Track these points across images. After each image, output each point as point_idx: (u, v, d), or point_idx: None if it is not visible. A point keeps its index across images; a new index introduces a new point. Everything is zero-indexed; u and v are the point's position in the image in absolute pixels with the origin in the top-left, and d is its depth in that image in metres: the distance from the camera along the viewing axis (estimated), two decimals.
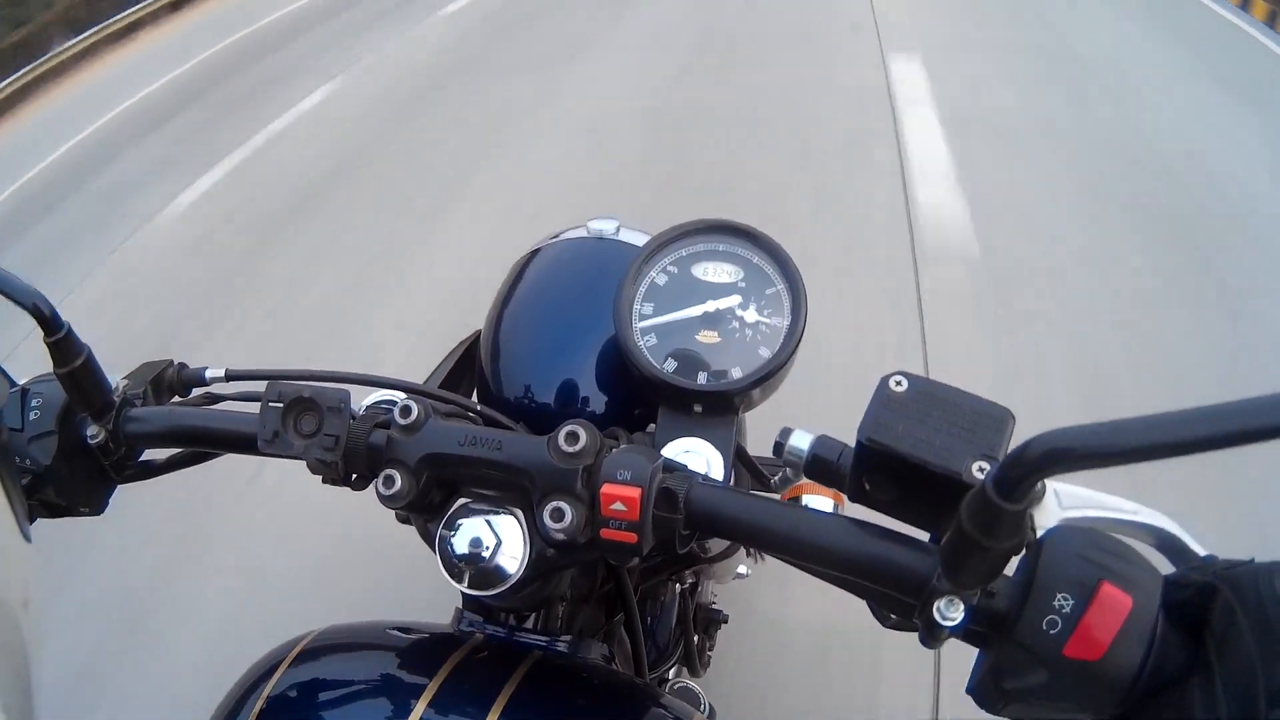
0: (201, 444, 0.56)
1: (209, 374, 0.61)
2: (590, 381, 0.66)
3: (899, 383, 0.41)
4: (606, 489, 0.44)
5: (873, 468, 0.41)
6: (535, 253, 0.75)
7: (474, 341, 0.76)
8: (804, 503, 0.81)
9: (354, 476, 0.51)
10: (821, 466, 0.47)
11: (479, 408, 0.57)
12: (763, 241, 0.61)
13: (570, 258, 0.74)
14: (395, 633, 0.57)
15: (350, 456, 0.49)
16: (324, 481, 0.51)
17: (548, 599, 0.59)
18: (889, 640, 0.48)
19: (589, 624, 0.66)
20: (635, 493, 0.44)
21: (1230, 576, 0.32)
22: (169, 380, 0.60)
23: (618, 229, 0.73)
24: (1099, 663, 0.32)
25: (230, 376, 0.60)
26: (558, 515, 0.44)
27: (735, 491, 0.46)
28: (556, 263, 0.74)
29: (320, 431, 0.49)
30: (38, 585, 0.41)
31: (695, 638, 1.04)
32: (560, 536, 0.44)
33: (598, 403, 0.66)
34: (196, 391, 0.61)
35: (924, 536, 0.42)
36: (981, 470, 0.38)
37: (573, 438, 0.45)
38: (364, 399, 0.57)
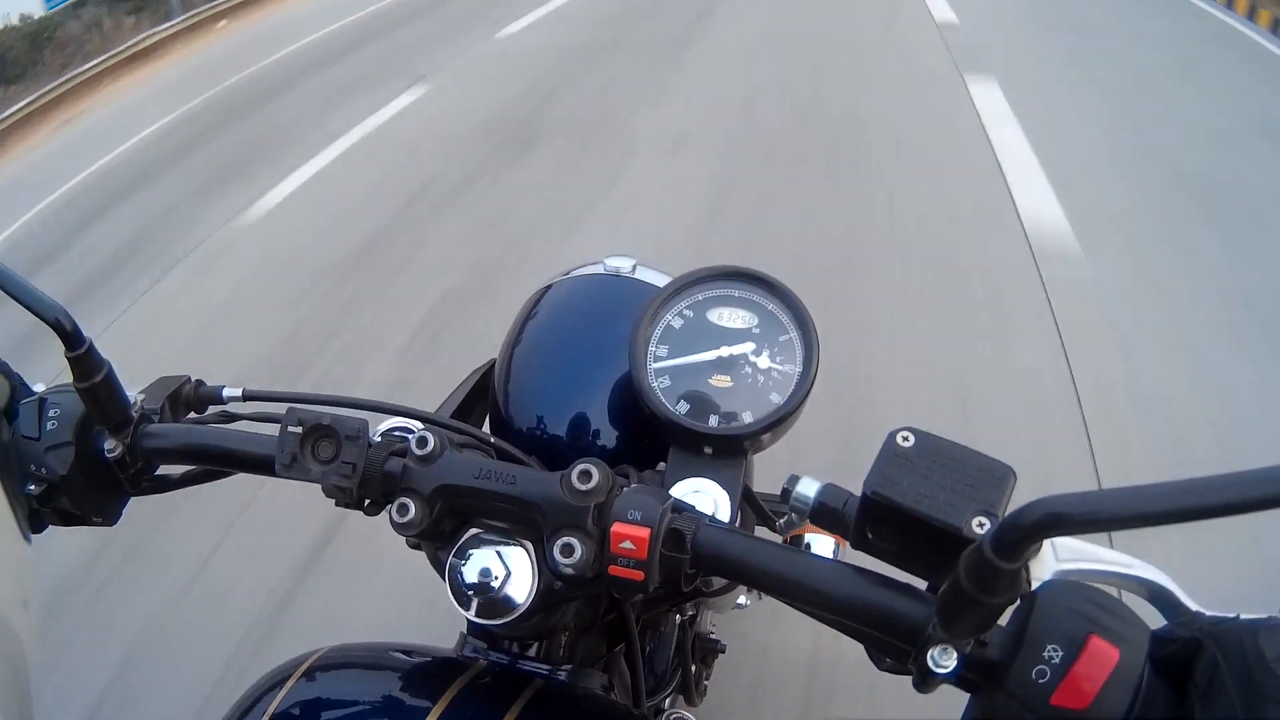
0: (218, 463, 0.57)
1: (226, 393, 0.62)
2: (602, 416, 0.67)
3: (906, 439, 0.42)
4: (617, 528, 0.45)
5: (876, 519, 0.42)
6: (550, 287, 0.76)
7: (487, 371, 0.76)
8: (806, 541, 0.82)
9: (368, 502, 0.52)
10: (827, 514, 0.48)
11: (493, 440, 0.58)
12: (778, 290, 0.63)
13: (586, 293, 0.75)
14: (400, 655, 0.58)
15: (366, 483, 0.51)
16: (337, 504, 0.52)
17: (552, 628, 0.60)
18: (883, 677, 0.49)
19: (590, 653, 0.67)
20: (644, 533, 0.45)
21: (1216, 632, 0.33)
22: (185, 397, 0.61)
23: (634, 267, 0.74)
24: (1085, 712, 0.33)
25: (248, 396, 0.61)
26: (568, 550, 0.45)
27: (741, 534, 0.47)
28: (572, 298, 0.75)
29: (338, 459, 0.50)
30: (37, 586, 0.42)
31: (693, 667, 1.04)
32: (569, 571, 0.46)
33: (608, 437, 0.67)
34: (213, 409, 0.62)
35: (921, 583, 0.43)
36: (981, 525, 0.39)
37: (586, 476, 0.46)
38: (380, 425, 0.58)
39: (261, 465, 0.53)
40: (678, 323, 0.63)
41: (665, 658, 0.96)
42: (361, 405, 0.56)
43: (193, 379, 0.62)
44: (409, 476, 0.49)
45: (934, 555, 0.41)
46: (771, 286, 0.63)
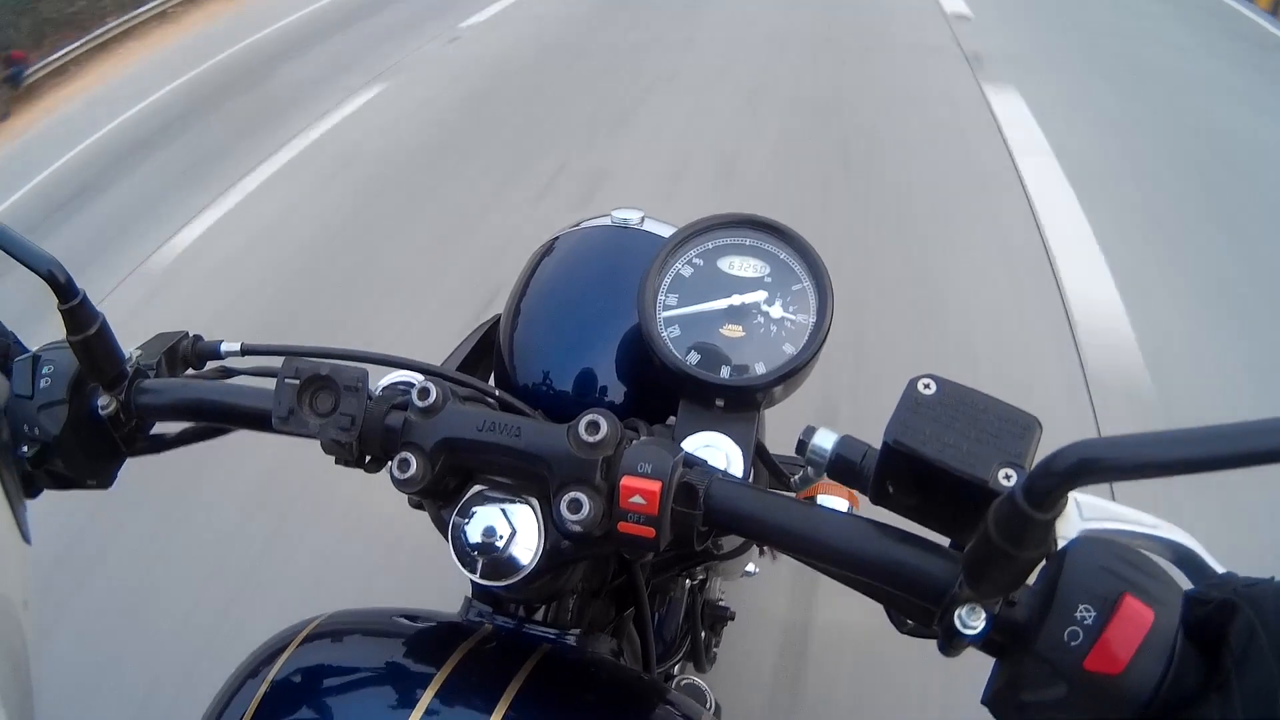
0: (214, 419, 0.56)
1: (224, 347, 0.60)
2: (610, 371, 0.65)
3: (927, 386, 0.40)
4: (626, 481, 0.44)
5: (897, 471, 0.41)
6: (556, 239, 0.74)
7: (493, 326, 0.75)
8: (819, 502, 0.80)
9: (369, 459, 0.50)
10: (844, 467, 0.46)
11: (497, 393, 0.56)
12: (790, 237, 0.61)
13: (593, 245, 0.73)
14: (403, 620, 0.57)
15: (366, 438, 0.49)
16: (337, 462, 0.51)
17: (559, 591, 0.58)
18: (897, 641, 0.48)
19: (598, 618, 0.66)
20: (655, 486, 0.43)
21: (1251, 595, 0.31)
22: (183, 352, 0.59)
23: (642, 219, 0.72)
24: (1119, 677, 0.32)
25: (246, 351, 0.59)
26: (575, 506, 0.44)
27: (755, 489, 0.46)
28: (579, 250, 0.73)
29: (336, 411, 0.49)
30: (37, 586, 0.41)
31: (703, 634, 1.04)
32: (577, 529, 0.44)
33: (616, 393, 0.65)
34: (211, 365, 0.61)
35: (943, 541, 0.42)
36: (1008, 478, 0.37)
37: (594, 427, 0.45)
38: (380, 379, 0.56)
39: (259, 420, 0.52)
40: (687, 271, 0.61)
41: (675, 624, 0.96)
42: (364, 358, 0.54)
43: (190, 334, 0.60)
44: (410, 430, 0.48)
45: (957, 510, 0.39)
46: (784, 234, 0.61)
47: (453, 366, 0.71)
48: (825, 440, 0.47)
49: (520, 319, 0.70)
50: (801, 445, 0.48)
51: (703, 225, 0.62)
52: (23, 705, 0.38)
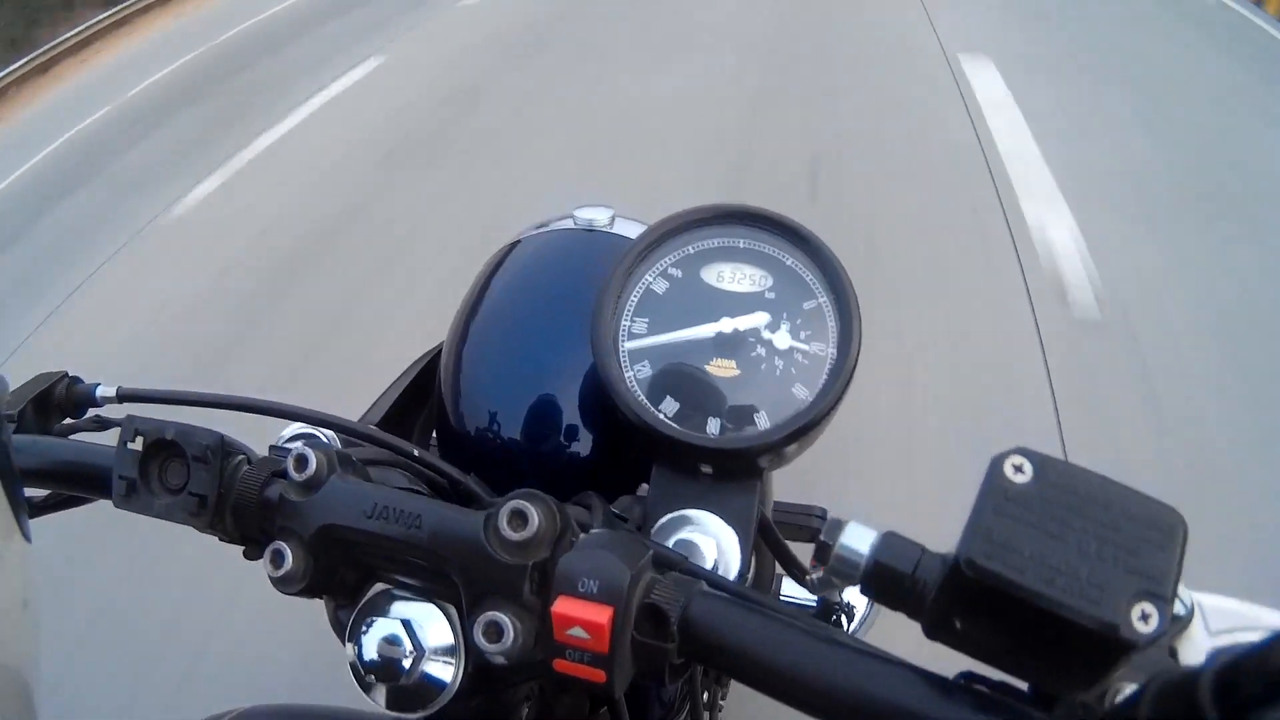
0: (54, 484, 0.46)
1: (100, 392, 0.50)
2: (573, 412, 0.52)
3: (1019, 469, 0.28)
4: (561, 607, 0.32)
5: (971, 602, 0.28)
6: (510, 248, 0.62)
7: (435, 357, 0.62)
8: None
9: (249, 541, 0.41)
10: (886, 581, 0.32)
11: (416, 453, 0.45)
12: (799, 236, 0.47)
13: (552, 255, 0.60)
14: None
15: (241, 515, 0.39)
16: (222, 540, 0.41)
17: (508, 706, 0.46)
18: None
19: (568, 716, 0.54)
20: (603, 616, 0.31)
21: None
22: (58, 398, 0.50)
23: (612, 219, 0.59)
24: None
25: (123, 396, 0.49)
26: (494, 632, 0.33)
27: (759, 610, 0.33)
28: (536, 262, 0.60)
29: (185, 488, 0.39)
30: (36, 585, 0.38)
31: (705, 694, 0.95)
32: (499, 660, 0.33)
33: (582, 444, 0.52)
34: (93, 412, 0.51)
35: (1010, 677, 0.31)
36: (1145, 618, 0.26)
37: (519, 520, 0.33)
38: (283, 432, 0.47)
39: (103, 488, 0.42)
40: (661, 285, 0.48)
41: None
42: (257, 408, 0.44)
43: (67, 376, 0.51)
44: (286, 512, 0.38)
45: (1057, 655, 0.28)
46: (790, 232, 0.47)
47: (383, 408, 0.60)
48: (859, 540, 0.33)
49: (465, 349, 0.56)
50: (823, 549, 0.34)
51: (679, 221, 0.49)
52: (23, 706, 0.36)
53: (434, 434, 0.61)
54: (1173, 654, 0.30)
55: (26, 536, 0.41)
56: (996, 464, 0.28)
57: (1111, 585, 0.26)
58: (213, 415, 0.45)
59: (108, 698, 1.55)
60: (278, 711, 0.49)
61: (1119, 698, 0.28)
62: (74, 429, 0.51)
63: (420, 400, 0.63)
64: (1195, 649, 0.30)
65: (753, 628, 0.32)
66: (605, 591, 0.32)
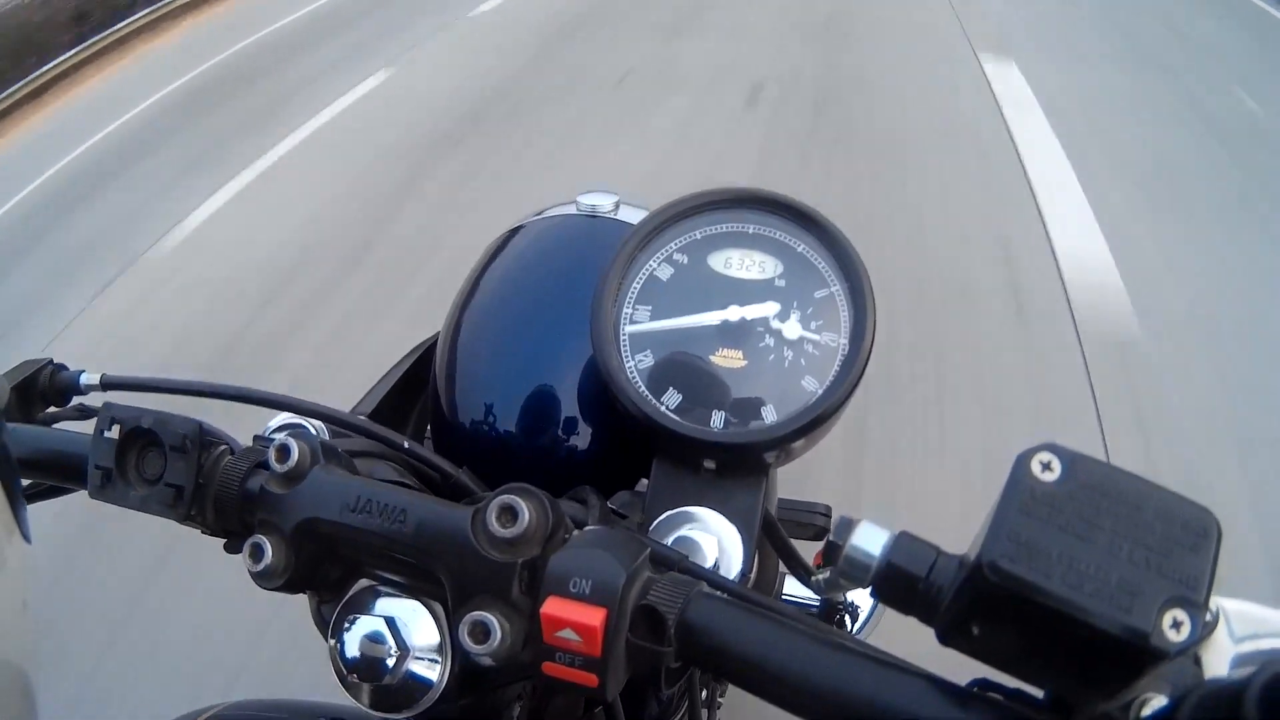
0: (30, 474, 0.45)
1: (84, 379, 0.49)
2: (572, 404, 0.50)
3: (1047, 466, 0.26)
4: (550, 608, 0.30)
5: (991, 607, 0.26)
6: (509, 235, 0.60)
7: (430, 348, 0.61)
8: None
9: (230, 534, 0.39)
10: (900, 584, 0.31)
11: (406, 445, 0.43)
12: (812, 221, 0.45)
13: (553, 241, 0.58)
14: (313, 717, 0.46)
15: (222, 508, 0.38)
16: (204, 533, 0.40)
17: (498, 706, 0.45)
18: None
19: (561, 716, 0.52)
20: (596, 618, 0.30)
21: None
22: (41, 386, 0.49)
23: (616, 205, 0.57)
24: None
25: (107, 384, 0.48)
26: (480, 633, 0.31)
27: (763, 613, 0.32)
28: (536, 248, 0.58)
29: (163, 478, 0.38)
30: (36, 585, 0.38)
31: (702, 692, 0.93)
32: (486, 661, 0.32)
33: (581, 436, 0.50)
34: (77, 400, 0.50)
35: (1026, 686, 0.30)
36: (1177, 626, 0.24)
37: (509, 515, 0.32)
38: (273, 420, 0.46)
39: (81, 478, 0.41)
40: (665, 272, 0.46)
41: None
42: (243, 397, 0.43)
43: (51, 363, 0.50)
44: (267, 505, 0.36)
45: (1082, 663, 0.26)
46: (802, 216, 0.46)
47: (376, 398, 0.58)
48: (871, 541, 0.31)
49: (461, 338, 0.54)
50: (832, 549, 0.32)
51: (685, 205, 0.47)
52: (24, 706, 0.36)
53: (429, 428, 0.60)
54: (1196, 662, 0.29)
55: (26, 537, 0.41)
56: (1023, 460, 0.26)
57: (1143, 591, 0.24)
58: (201, 405, 0.44)
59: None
60: (261, 706, 0.48)
61: (1147, 710, 0.27)
62: (57, 418, 0.50)
63: (415, 393, 0.61)
64: (1220, 657, 0.28)
65: (755, 632, 0.31)
66: (598, 592, 0.30)
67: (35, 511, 0.42)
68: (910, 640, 0.36)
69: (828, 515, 0.69)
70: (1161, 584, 0.24)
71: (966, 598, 0.27)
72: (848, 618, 0.84)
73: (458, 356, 0.54)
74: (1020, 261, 2.46)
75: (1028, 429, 1.86)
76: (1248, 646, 0.28)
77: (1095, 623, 0.24)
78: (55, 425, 0.50)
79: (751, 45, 4.35)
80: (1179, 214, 2.76)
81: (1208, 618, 0.27)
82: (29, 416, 0.49)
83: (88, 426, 0.45)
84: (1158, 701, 0.26)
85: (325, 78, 4.41)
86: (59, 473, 0.43)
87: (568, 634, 0.30)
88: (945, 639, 0.29)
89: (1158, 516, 0.25)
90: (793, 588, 0.82)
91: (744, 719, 1.31)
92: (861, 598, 0.76)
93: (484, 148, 3.45)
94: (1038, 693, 0.29)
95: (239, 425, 0.44)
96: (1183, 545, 0.25)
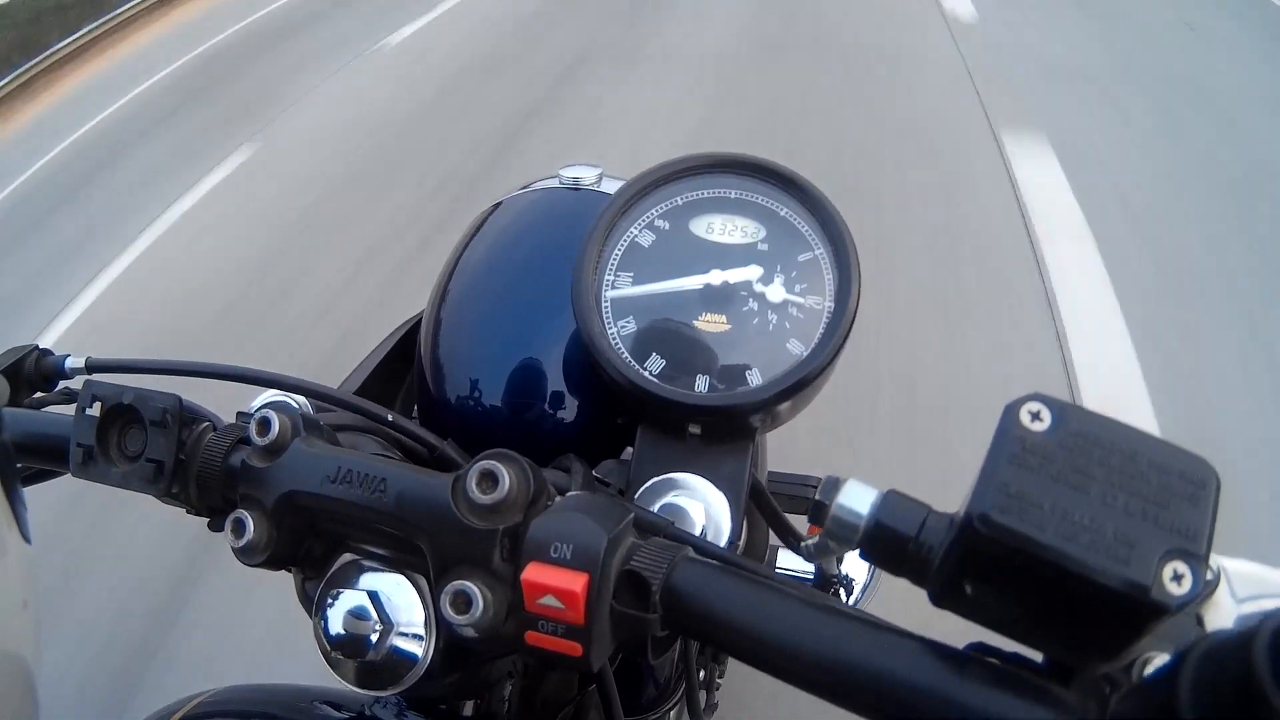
0: (26, 457, 0.45)
1: (69, 363, 0.49)
2: (557, 376, 0.50)
3: (1037, 416, 0.25)
4: (531, 574, 0.30)
5: (984, 564, 0.26)
6: (492, 210, 0.59)
7: (416, 326, 0.61)
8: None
9: (214, 512, 0.39)
10: (887, 544, 0.30)
11: (390, 417, 0.43)
12: (794, 184, 0.45)
13: (536, 214, 0.58)
14: (300, 705, 0.45)
15: (205, 484, 0.37)
16: (188, 512, 0.40)
17: (487, 681, 0.44)
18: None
19: (554, 696, 0.51)
20: (578, 583, 0.29)
21: None
22: (28, 373, 0.49)
23: (599, 177, 0.57)
24: None
25: (92, 367, 0.48)
26: (462, 603, 0.31)
27: (751, 578, 0.31)
28: (517, 222, 0.57)
29: (143, 455, 0.37)
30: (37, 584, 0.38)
31: (701, 673, 0.93)
32: (469, 632, 0.31)
33: (567, 408, 0.50)
34: (64, 385, 0.50)
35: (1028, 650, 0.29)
36: (1178, 579, 0.23)
37: (489, 480, 0.31)
38: (256, 400, 0.45)
39: (64, 459, 0.41)
40: (647, 238, 0.46)
41: (668, 662, 0.85)
42: (228, 374, 0.43)
43: (38, 348, 0.50)
44: (248, 479, 0.36)
45: (1078, 619, 0.25)
46: (785, 180, 0.46)
47: (362, 375, 0.58)
48: (858, 499, 0.30)
49: (445, 312, 0.54)
50: (819, 508, 0.31)
51: (665, 171, 0.46)
52: (25, 706, 0.36)
53: (415, 407, 0.60)
54: (1199, 623, 0.28)
55: (26, 537, 0.41)
56: (1011, 411, 0.26)
57: (1140, 543, 0.23)
58: (191, 390, 0.44)
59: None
60: (250, 691, 0.47)
61: (1149, 669, 0.26)
62: (44, 402, 0.51)
63: (401, 372, 0.61)
64: (1223, 617, 0.28)
65: (742, 596, 0.30)
66: (580, 557, 0.30)
67: (35, 512, 0.42)
68: (906, 612, 0.36)
69: None
70: (1160, 536, 0.24)
71: (958, 554, 0.26)
72: (842, 591, 0.84)
73: (442, 332, 0.54)
74: None
75: None
76: (1251, 607, 0.27)
77: (1092, 576, 0.23)
78: (43, 410, 0.50)
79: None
80: None
81: (1209, 575, 0.27)
82: (16, 403, 0.49)
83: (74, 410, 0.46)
84: (1160, 660, 0.26)
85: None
86: (43, 455, 0.43)
87: (550, 600, 0.30)
88: (939, 600, 0.28)
89: (1153, 467, 0.25)
90: (786, 561, 0.82)
91: (742, 701, 1.32)
92: (857, 571, 0.75)
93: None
94: (1037, 656, 0.28)
95: (228, 410, 0.44)
96: (1180, 496, 0.24)
